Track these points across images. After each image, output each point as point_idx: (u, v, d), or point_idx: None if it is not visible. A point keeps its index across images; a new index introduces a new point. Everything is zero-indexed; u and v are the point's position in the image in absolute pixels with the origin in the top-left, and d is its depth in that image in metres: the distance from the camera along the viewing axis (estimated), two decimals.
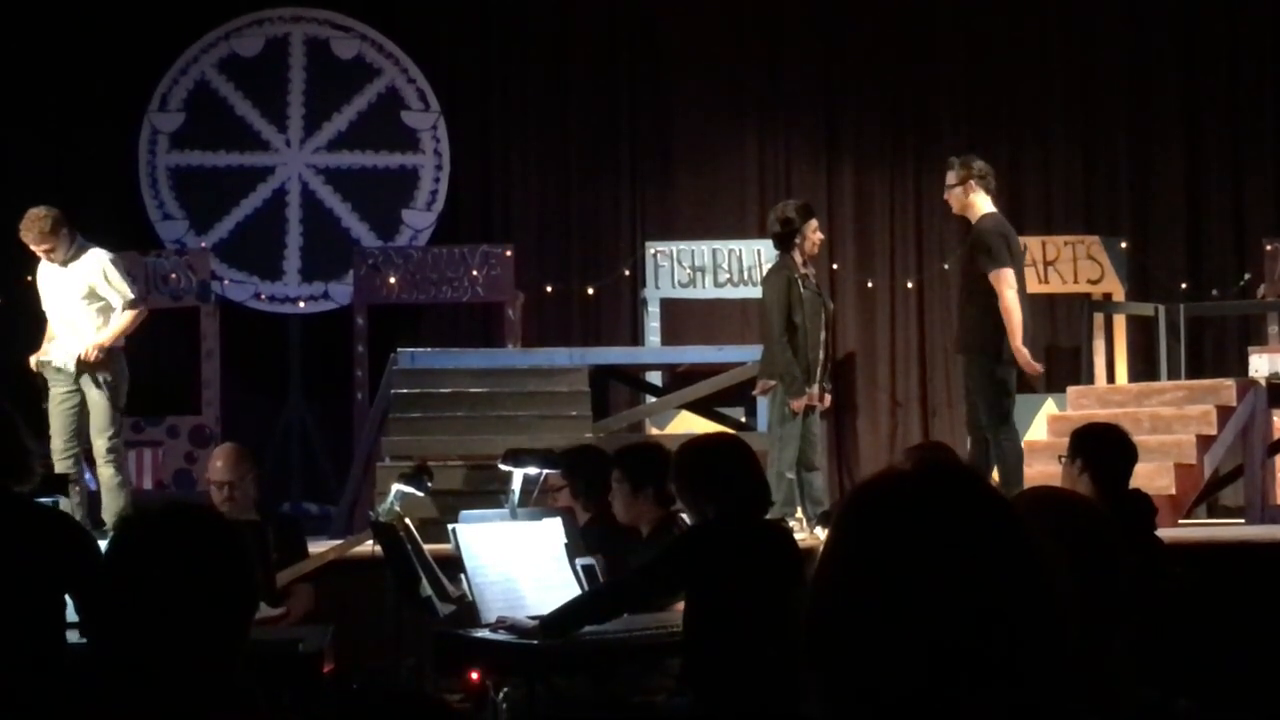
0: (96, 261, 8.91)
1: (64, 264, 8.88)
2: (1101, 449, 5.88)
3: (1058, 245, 11.89)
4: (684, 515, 5.73)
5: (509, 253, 11.91)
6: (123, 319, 8.92)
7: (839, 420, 12.46)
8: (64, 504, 7.84)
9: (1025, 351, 8.58)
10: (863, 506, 1.53)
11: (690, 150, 13.07)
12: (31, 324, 9.36)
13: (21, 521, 4.28)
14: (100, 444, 8.82)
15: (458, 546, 5.68)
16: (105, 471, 8.85)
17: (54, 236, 8.80)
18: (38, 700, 3.99)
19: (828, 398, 9.38)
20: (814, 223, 9.37)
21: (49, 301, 9.02)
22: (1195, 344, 12.16)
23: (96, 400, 8.82)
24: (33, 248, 8.87)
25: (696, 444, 5.47)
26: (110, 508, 8.79)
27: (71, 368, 8.83)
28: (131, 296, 8.99)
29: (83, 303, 8.89)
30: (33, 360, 8.95)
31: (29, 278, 9.38)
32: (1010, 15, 12.98)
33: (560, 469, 6.83)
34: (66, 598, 4.34)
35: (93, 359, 8.78)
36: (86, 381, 8.83)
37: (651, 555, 5.45)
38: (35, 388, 8.94)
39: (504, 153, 13.14)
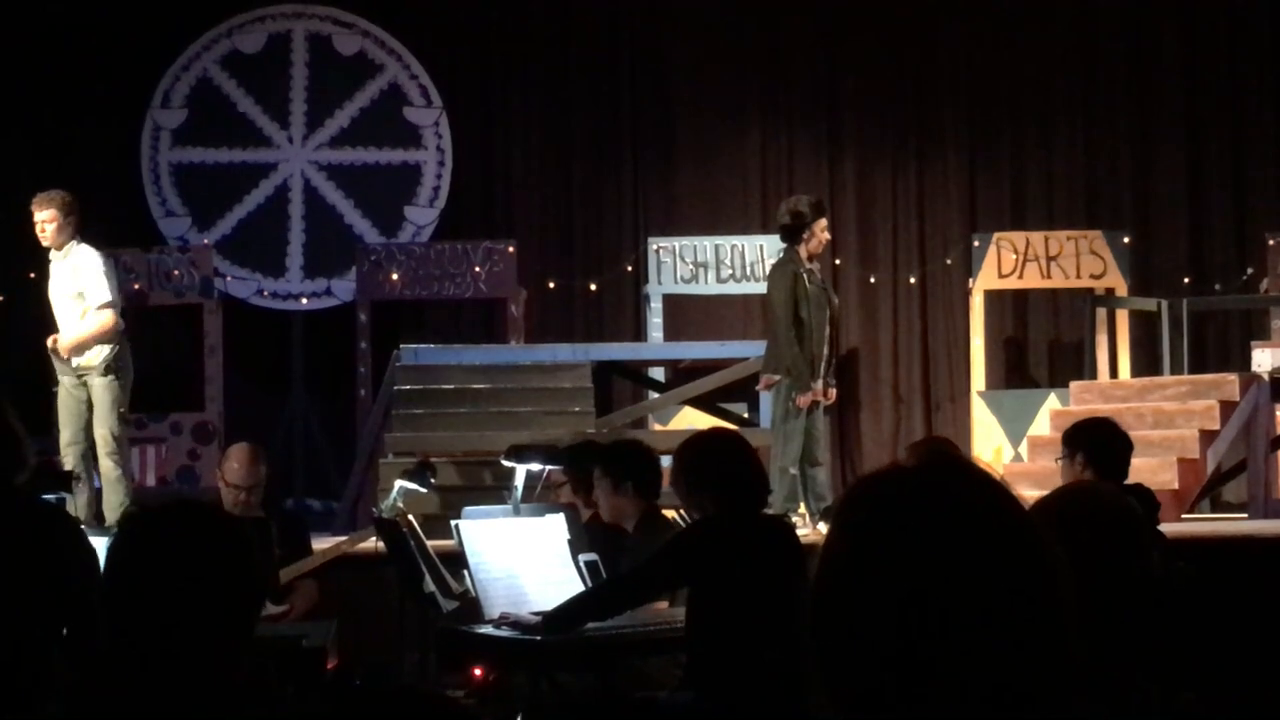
0: (83, 258, 8.89)
1: (54, 246, 8.86)
2: (1103, 442, 5.91)
3: (1060, 240, 11.88)
4: (683, 513, 5.74)
5: (511, 249, 11.91)
6: (95, 323, 8.77)
7: (842, 416, 12.46)
8: (69, 501, 7.82)
9: None
10: (864, 502, 1.53)
11: (692, 146, 13.07)
12: (35, 320, 9.36)
13: (16, 517, 4.26)
14: (101, 434, 8.79)
15: (461, 542, 5.68)
16: (105, 465, 8.84)
17: (58, 213, 8.76)
18: (41, 697, 3.99)
19: (832, 393, 9.37)
20: (824, 221, 9.35)
21: (50, 297, 9.02)
22: (1198, 339, 12.15)
23: (98, 390, 8.81)
24: (36, 217, 8.83)
25: (694, 440, 5.48)
26: (110, 502, 8.77)
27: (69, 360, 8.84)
28: (108, 299, 8.81)
29: (70, 299, 8.89)
30: (51, 340, 8.92)
31: (31, 274, 9.38)
32: (1012, 10, 12.97)
33: (562, 464, 6.83)
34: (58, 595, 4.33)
35: (64, 355, 8.76)
36: (90, 373, 8.82)
37: (652, 551, 5.46)
38: (41, 378, 8.92)
39: (506, 149, 13.14)
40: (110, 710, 2.57)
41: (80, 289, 8.84)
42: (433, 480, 6.87)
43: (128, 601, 2.57)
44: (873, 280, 12.89)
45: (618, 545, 6.07)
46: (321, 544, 7.64)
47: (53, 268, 9.00)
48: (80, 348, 8.76)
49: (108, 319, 8.79)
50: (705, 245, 12.12)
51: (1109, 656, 2.20)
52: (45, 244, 8.87)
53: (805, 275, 9.12)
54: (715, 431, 6.05)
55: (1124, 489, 5.78)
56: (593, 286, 12.81)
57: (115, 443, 8.81)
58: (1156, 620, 2.30)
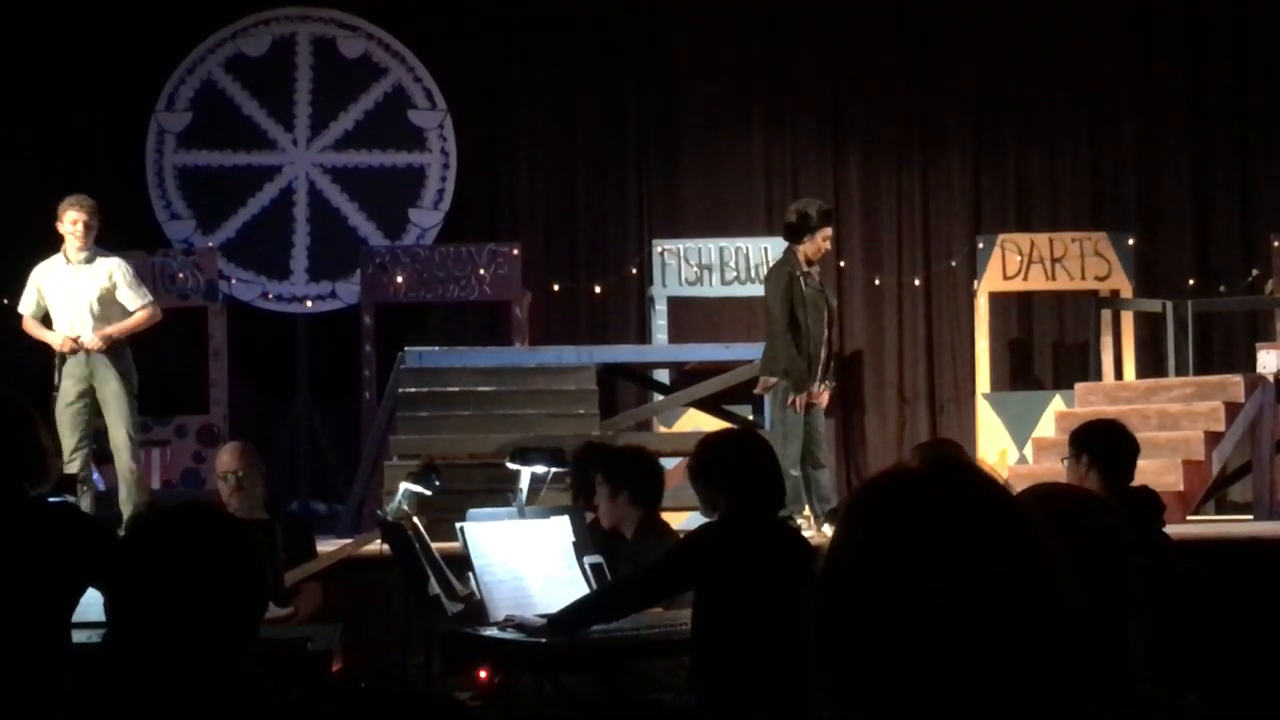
0: (113, 267, 9.03)
1: (84, 249, 8.92)
2: (1110, 444, 5.91)
3: (1065, 242, 11.87)
4: (705, 517, 5.74)
5: (516, 251, 11.91)
6: (137, 315, 9.02)
7: (846, 417, 12.46)
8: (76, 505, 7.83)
9: None
10: (869, 503, 1.53)
11: (697, 148, 13.06)
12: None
13: (38, 522, 4.27)
14: (120, 435, 8.85)
15: (466, 545, 5.68)
16: (129, 465, 8.89)
17: (92, 216, 8.95)
18: (47, 698, 3.99)
19: (826, 395, 9.36)
20: (828, 230, 9.38)
21: (57, 304, 9.02)
22: (1203, 340, 12.15)
23: (115, 391, 8.86)
24: (73, 215, 8.90)
25: (711, 438, 5.49)
26: (133, 499, 8.82)
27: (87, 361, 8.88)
28: (150, 299, 9.16)
29: (96, 307, 8.93)
30: (60, 340, 8.94)
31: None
32: (1017, 11, 12.97)
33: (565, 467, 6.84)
34: (75, 596, 4.34)
35: (98, 345, 8.83)
36: (103, 376, 8.86)
37: (652, 556, 5.47)
38: (43, 383, 8.94)
39: (510, 151, 13.14)
40: (111, 711, 2.57)
41: (109, 292, 8.96)
42: (437, 483, 6.86)
43: (133, 602, 2.58)
44: (877, 282, 12.89)
45: (616, 551, 6.08)
46: (326, 547, 7.64)
47: (62, 274, 9.01)
48: (119, 338, 8.88)
49: (155, 313, 9.17)
50: (710, 247, 12.13)
51: (1112, 658, 2.20)
52: (76, 244, 8.95)
53: (802, 278, 9.14)
54: (733, 431, 6.07)
55: (1129, 491, 5.79)
56: (597, 289, 12.81)
57: (134, 443, 8.89)
58: (1145, 621, 2.29)
